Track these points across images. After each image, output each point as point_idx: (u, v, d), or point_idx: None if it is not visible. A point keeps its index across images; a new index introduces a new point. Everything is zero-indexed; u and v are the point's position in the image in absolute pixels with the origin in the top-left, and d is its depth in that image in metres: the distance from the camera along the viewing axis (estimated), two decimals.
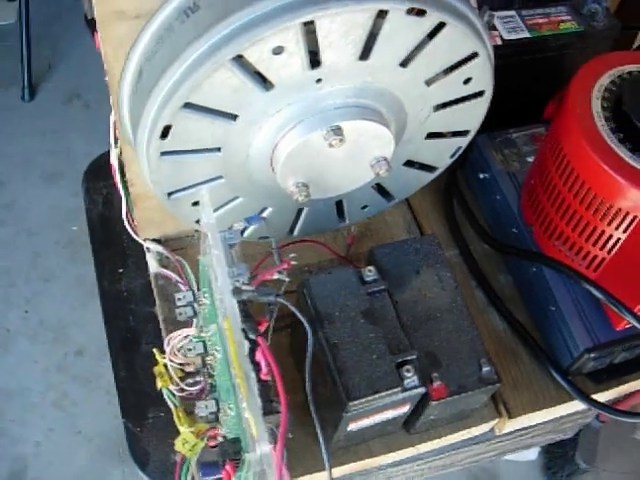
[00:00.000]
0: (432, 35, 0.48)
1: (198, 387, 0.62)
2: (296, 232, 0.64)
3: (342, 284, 0.58)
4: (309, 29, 0.45)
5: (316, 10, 0.44)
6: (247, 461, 0.47)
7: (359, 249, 0.73)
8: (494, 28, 0.71)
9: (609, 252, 0.64)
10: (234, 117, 0.49)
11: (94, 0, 0.50)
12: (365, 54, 0.48)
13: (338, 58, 0.48)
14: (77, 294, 1.40)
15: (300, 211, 0.62)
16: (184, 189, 0.55)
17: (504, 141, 0.76)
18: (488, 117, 0.60)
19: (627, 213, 0.60)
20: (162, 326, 0.69)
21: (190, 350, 0.53)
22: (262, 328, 0.46)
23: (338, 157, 0.53)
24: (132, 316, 0.73)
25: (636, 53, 0.77)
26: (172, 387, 0.63)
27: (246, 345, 0.44)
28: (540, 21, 0.73)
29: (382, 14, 0.46)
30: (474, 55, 0.51)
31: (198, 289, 0.66)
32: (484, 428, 0.69)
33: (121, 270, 0.76)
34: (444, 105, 0.55)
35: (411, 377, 0.56)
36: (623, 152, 0.59)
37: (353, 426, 0.58)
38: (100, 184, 0.82)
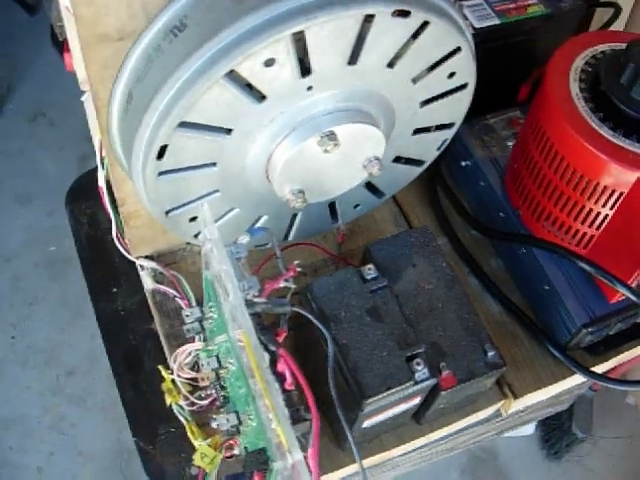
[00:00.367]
0: (416, 34, 0.49)
1: (209, 400, 0.62)
2: (291, 237, 0.65)
3: (344, 284, 0.59)
4: (298, 38, 0.46)
5: (305, 20, 0.44)
6: (275, 470, 0.47)
7: (350, 246, 0.74)
8: (465, 18, 0.72)
9: (597, 228, 0.65)
10: (228, 131, 0.50)
11: (76, 24, 0.49)
12: (353, 59, 0.48)
13: (327, 64, 0.48)
14: (63, 314, 1.38)
15: (294, 216, 0.62)
16: (181, 206, 0.55)
17: (482, 127, 0.77)
18: None
19: (613, 190, 0.61)
20: (164, 342, 0.69)
21: (204, 365, 0.53)
22: (280, 339, 0.46)
23: (332, 161, 0.54)
24: (131, 335, 0.73)
25: (605, 32, 0.79)
26: (182, 402, 0.64)
27: (266, 357, 0.44)
28: (508, 6, 0.75)
29: (368, 18, 0.46)
30: (457, 50, 0.52)
31: (198, 303, 0.66)
32: (490, 411, 0.70)
33: (115, 290, 0.76)
34: (430, 100, 0.56)
35: (421, 370, 0.57)
36: (605, 131, 0.61)
37: (367, 423, 0.59)
38: (83, 205, 0.81)
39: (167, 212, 0.55)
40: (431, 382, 0.58)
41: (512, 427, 0.94)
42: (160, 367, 0.65)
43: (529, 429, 1.31)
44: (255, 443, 0.53)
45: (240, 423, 0.51)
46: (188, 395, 0.63)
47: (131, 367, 0.71)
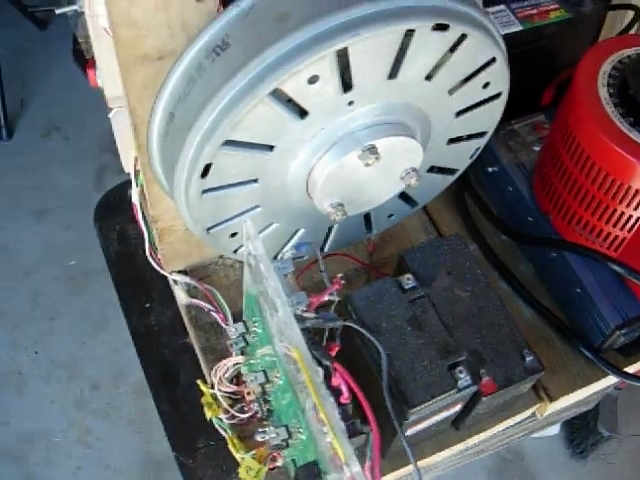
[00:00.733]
0: (454, 47, 0.50)
1: (250, 414, 0.62)
2: (326, 248, 0.65)
3: (383, 295, 0.60)
4: (340, 54, 0.46)
5: (349, 37, 0.44)
6: None
7: (381, 254, 0.75)
8: None
9: (629, 231, 0.66)
10: (271, 148, 0.50)
11: (115, 45, 0.50)
12: (394, 73, 0.49)
13: (369, 80, 0.49)
14: (84, 328, 1.39)
15: (331, 228, 0.63)
16: (223, 222, 0.55)
17: (508, 133, 0.77)
18: None
19: None
20: (200, 356, 0.70)
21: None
22: (333, 353, 0.47)
23: (371, 174, 0.54)
24: (166, 349, 0.74)
25: (630, 37, 0.79)
26: (222, 415, 0.64)
27: (320, 372, 0.44)
28: (530, 12, 0.75)
29: (409, 32, 0.47)
30: (492, 60, 0.53)
31: (234, 316, 0.67)
32: (527, 414, 0.71)
33: (148, 305, 0.76)
34: (465, 110, 0.56)
35: (464, 377, 0.57)
36: (635, 135, 0.61)
37: (409, 431, 0.59)
38: (112, 221, 0.82)
39: (208, 229, 0.56)
40: (473, 389, 0.58)
41: (541, 428, 0.94)
42: (199, 381, 0.65)
43: (554, 429, 1.31)
44: (303, 456, 0.53)
45: (290, 436, 0.52)
46: (229, 408, 0.63)
47: (167, 381, 0.72)
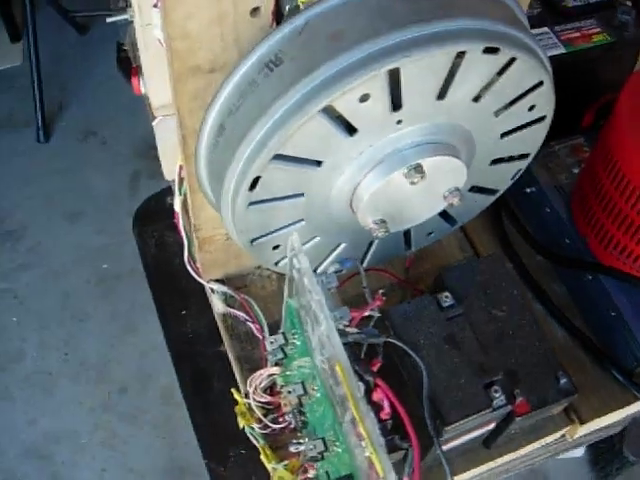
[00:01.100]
0: (503, 70, 0.50)
1: (284, 424, 0.63)
2: (365, 263, 0.66)
3: (422, 312, 0.60)
4: (391, 74, 0.47)
5: (401, 57, 0.45)
6: None
7: (417, 270, 0.75)
8: None
9: None
10: (319, 163, 0.51)
11: (169, 57, 0.51)
12: (442, 94, 0.49)
13: (418, 100, 0.49)
14: (113, 331, 1.40)
15: (371, 243, 0.63)
16: (267, 234, 0.56)
17: (547, 154, 0.78)
18: None
19: None
20: (234, 365, 0.71)
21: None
22: (375, 368, 0.47)
23: (415, 192, 0.55)
24: (200, 357, 0.74)
25: None
26: (255, 425, 0.65)
27: (361, 387, 0.45)
28: (573, 35, 0.75)
29: (460, 54, 0.47)
30: (540, 84, 0.53)
31: (270, 327, 0.68)
32: (557, 435, 0.71)
33: (184, 312, 0.77)
34: (509, 132, 0.57)
35: (499, 397, 0.58)
36: None
37: (443, 448, 0.60)
38: (150, 228, 0.83)
39: (252, 240, 0.56)
40: (507, 409, 0.58)
41: (566, 450, 0.94)
42: (233, 390, 0.66)
43: (579, 451, 1.30)
44: (337, 469, 0.53)
45: (326, 449, 0.52)
46: (262, 418, 0.64)
47: (200, 389, 0.73)
